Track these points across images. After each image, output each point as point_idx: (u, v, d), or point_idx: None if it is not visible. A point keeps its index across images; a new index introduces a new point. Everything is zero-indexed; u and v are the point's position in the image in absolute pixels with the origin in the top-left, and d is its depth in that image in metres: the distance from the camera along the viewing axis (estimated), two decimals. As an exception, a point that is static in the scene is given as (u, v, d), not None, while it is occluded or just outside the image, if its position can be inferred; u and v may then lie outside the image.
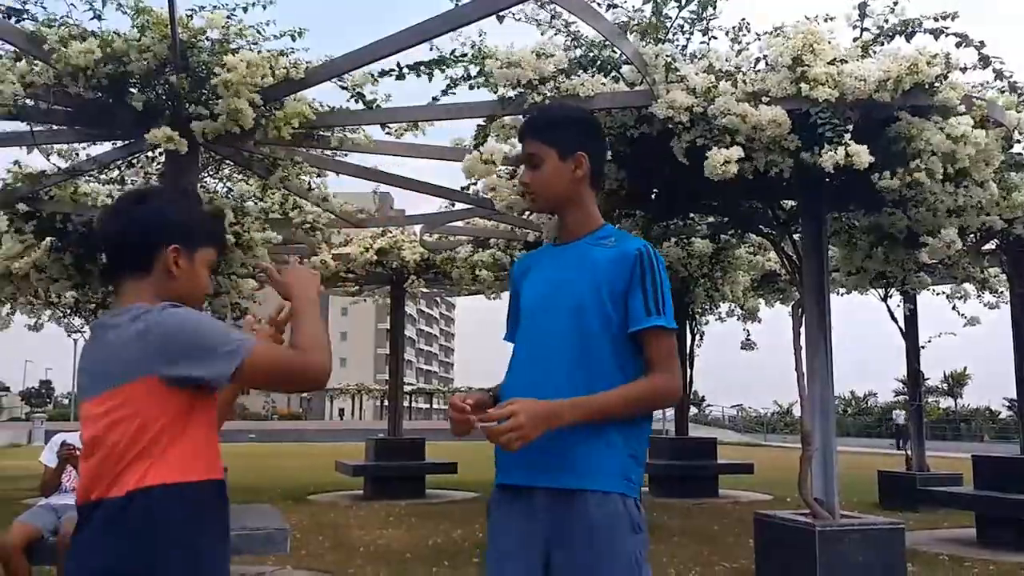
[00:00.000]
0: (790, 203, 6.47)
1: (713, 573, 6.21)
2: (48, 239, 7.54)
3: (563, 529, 1.96)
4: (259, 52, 5.23)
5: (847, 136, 4.66)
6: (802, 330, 5.78)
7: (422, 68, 5.26)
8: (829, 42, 5.00)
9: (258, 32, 5.28)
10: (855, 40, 5.30)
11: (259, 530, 5.13)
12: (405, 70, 5.28)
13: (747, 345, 11.23)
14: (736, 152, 4.74)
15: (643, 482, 2.09)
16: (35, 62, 5.02)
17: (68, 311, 10.36)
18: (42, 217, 7.35)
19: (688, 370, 12.03)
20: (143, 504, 1.65)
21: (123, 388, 1.68)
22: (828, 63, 4.86)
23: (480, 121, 5.62)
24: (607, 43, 5.28)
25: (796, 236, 6.27)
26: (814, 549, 5.22)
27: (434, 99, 5.51)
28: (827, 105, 4.76)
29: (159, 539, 1.65)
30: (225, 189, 8.23)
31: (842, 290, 8.84)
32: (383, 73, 5.45)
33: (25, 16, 4.80)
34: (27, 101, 5.12)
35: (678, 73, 5.00)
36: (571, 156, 2.12)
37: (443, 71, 5.33)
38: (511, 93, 5.25)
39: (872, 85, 4.80)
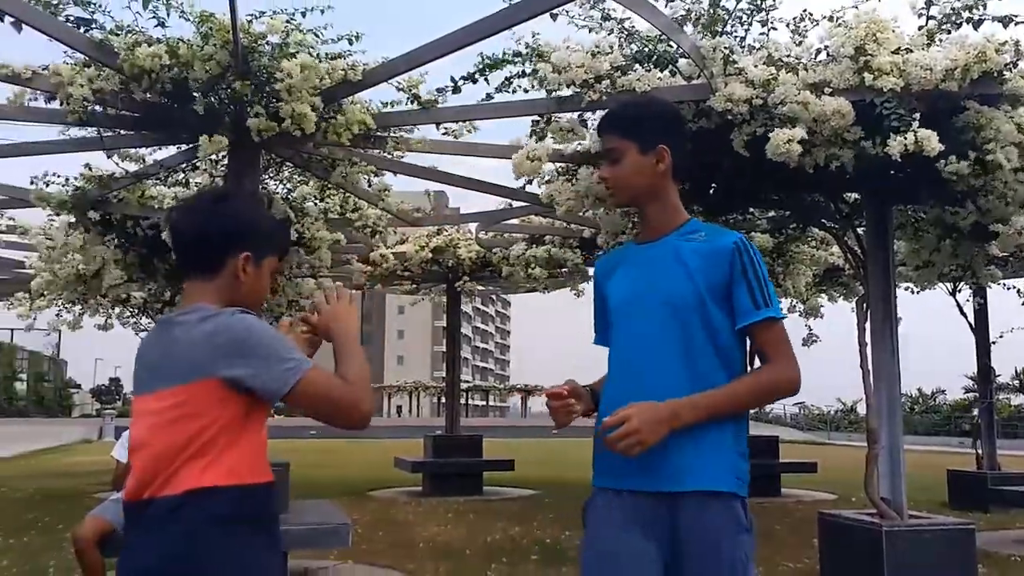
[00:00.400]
0: (853, 196, 6.32)
1: (776, 573, 6.11)
2: (117, 241, 7.77)
3: (676, 532, 1.93)
4: (317, 56, 5.32)
5: (915, 124, 4.53)
6: (867, 326, 5.65)
7: (477, 75, 5.29)
8: (893, 31, 4.87)
9: (316, 36, 5.36)
10: (920, 28, 5.15)
11: (322, 525, 5.22)
12: (461, 82, 5.33)
13: (808, 340, 11.02)
14: (799, 132, 4.63)
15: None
16: (103, 68, 5.17)
17: (136, 311, 10.66)
18: (111, 220, 7.58)
19: (748, 368, 11.81)
20: (198, 504, 1.66)
21: (187, 387, 1.70)
22: (893, 52, 4.74)
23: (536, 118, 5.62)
24: (663, 37, 5.23)
25: (860, 230, 6.12)
26: (881, 550, 5.11)
27: (488, 96, 5.50)
28: (892, 95, 4.63)
29: (213, 539, 1.67)
30: (285, 190, 8.38)
31: (909, 285, 8.60)
32: (440, 90, 5.51)
33: (93, 26, 4.95)
34: (96, 107, 5.27)
35: (736, 65, 4.93)
36: (652, 150, 2.07)
37: (500, 68, 5.33)
38: (567, 92, 5.24)
39: (939, 74, 4.66)
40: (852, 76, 4.82)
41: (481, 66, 5.27)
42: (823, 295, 11.25)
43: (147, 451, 1.72)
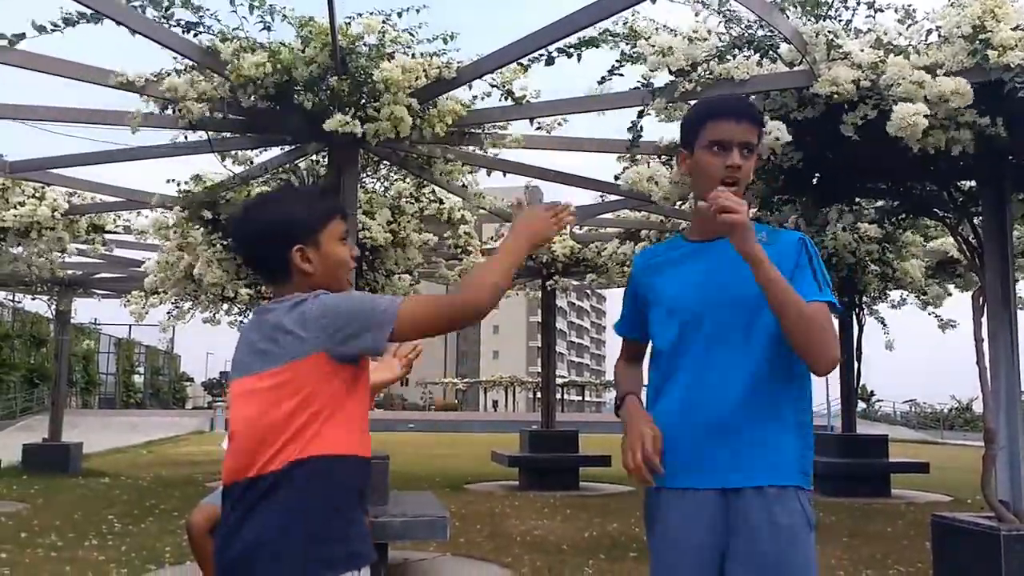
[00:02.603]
0: (968, 184, 6.01)
1: (886, 577, 5.88)
2: (225, 240, 8.10)
3: (737, 529, 1.91)
4: (412, 55, 5.39)
5: None
6: (984, 320, 5.36)
7: (572, 49, 5.18)
8: (1012, 5, 4.59)
9: (411, 35, 5.43)
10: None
11: (421, 517, 5.29)
12: (555, 53, 5.22)
13: (945, 325, 10.62)
14: (923, 107, 4.39)
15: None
16: (211, 76, 5.38)
17: (244, 307, 11.08)
18: (219, 220, 7.90)
19: (856, 363, 11.39)
20: (300, 473, 1.72)
21: (289, 365, 1.75)
22: (1013, 29, 4.47)
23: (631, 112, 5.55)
24: (763, 22, 5.07)
25: (976, 220, 5.81)
26: (999, 554, 4.85)
27: (602, 79, 5.38)
28: (1021, 70, 4.35)
29: (312, 505, 1.72)
30: (383, 188, 8.55)
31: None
32: (533, 59, 5.41)
33: (200, 30, 5.14)
34: (206, 112, 5.49)
35: (841, 50, 4.74)
36: (756, 151, 2.07)
37: (597, 47, 5.24)
38: (661, 83, 5.14)
39: (1064, 52, 4.36)
40: (967, 58, 4.57)
41: (584, 39, 5.20)
42: (937, 286, 10.75)
43: (249, 431, 1.78)
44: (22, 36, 4.88)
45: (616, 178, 6.42)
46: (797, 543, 1.90)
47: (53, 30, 4.84)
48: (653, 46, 5.01)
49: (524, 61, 5.47)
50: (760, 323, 1.96)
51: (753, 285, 1.93)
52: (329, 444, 1.75)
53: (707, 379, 1.98)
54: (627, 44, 5.28)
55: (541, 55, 5.30)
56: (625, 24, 5.23)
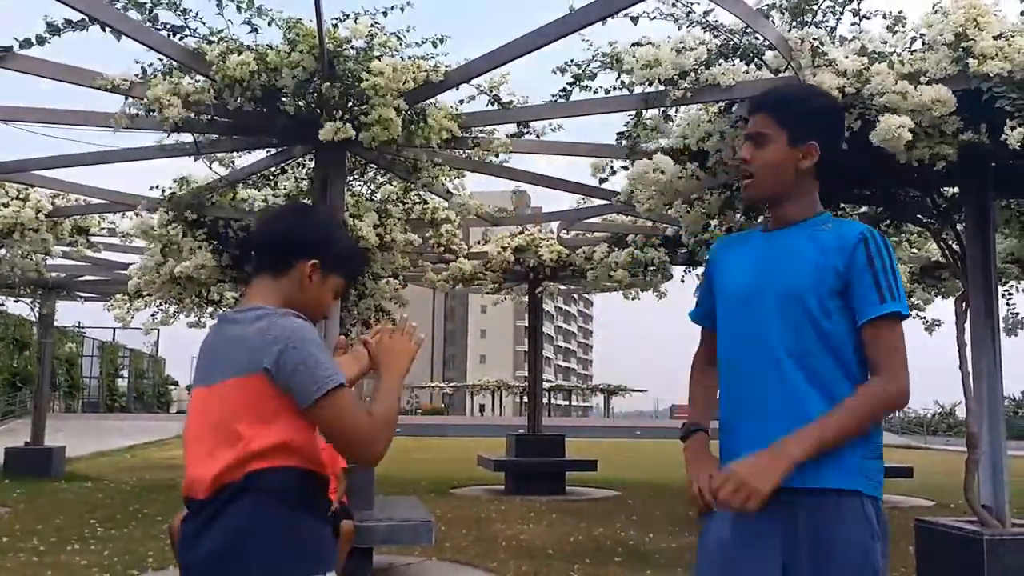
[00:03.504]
0: (951, 190, 6.06)
1: (869, 581, 5.90)
2: (210, 243, 8.06)
3: (796, 531, 1.84)
4: (400, 58, 5.39)
5: None
6: (967, 325, 5.41)
7: (569, 87, 5.36)
8: (995, 15, 4.64)
9: (398, 39, 5.43)
10: (1022, 13, 4.90)
11: (406, 522, 5.29)
12: (559, 98, 5.49)
13: (929, 327, 10.68)
14: (908, 119, 4.43)
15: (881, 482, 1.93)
16: (197, 78, 5.36)
17: (229, 310, 11.05)
18: (204, 222, 7.86)
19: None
20: (258, 484, 1.73)
21: (240, 380, 1.76)
22: (995, 37, 4.52)
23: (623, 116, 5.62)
24: (748, 29, 5.11)
25: (959, 225, 5.86)
26: (982, 559, 4.88)
27: (570, 86, 5.51)
28: (1000, 79, 4.40)
29: (271, 513, 1.74)
30: (369, 192, 8.54)
31: (1015, 283, 8.21)
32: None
33: (186, 33, 5.13)
34: (191, 114, 5.47)
35: (826, 57, 4.77)
36: (802, 143, 1.95)
37: (582, 87, 5.40)
38: (651, 89, 5.19)
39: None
40: (950, 65, 4.61)
41: (571, 78, 5.34)
42: (921, 291, 10.84)
43: (202, 443, 1.79)
44: (8, 49, 4.87)
45: (600, 181, 6.45)
46: (854, 552, 1.82)
47: (39, 43, 4.83)
48: (639, 60, 5.05)
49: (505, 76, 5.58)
50: (809, 320, 1.87)
51: (803, 279, 1.88)
52: (281, 457, 1.76)
53: (753, 384, 1.93)
54: (612, 70, 5.39)
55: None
56: (611, 46, 5.32)
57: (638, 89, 5.32)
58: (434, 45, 5.39)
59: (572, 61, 5.34)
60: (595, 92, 5.50)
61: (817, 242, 1.91)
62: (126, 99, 5.47)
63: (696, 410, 2.14)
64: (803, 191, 1.99)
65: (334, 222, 2.11)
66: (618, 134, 5.77)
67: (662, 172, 5.58)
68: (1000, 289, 6.75)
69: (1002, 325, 6.37)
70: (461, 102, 5.83)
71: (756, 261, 2.00)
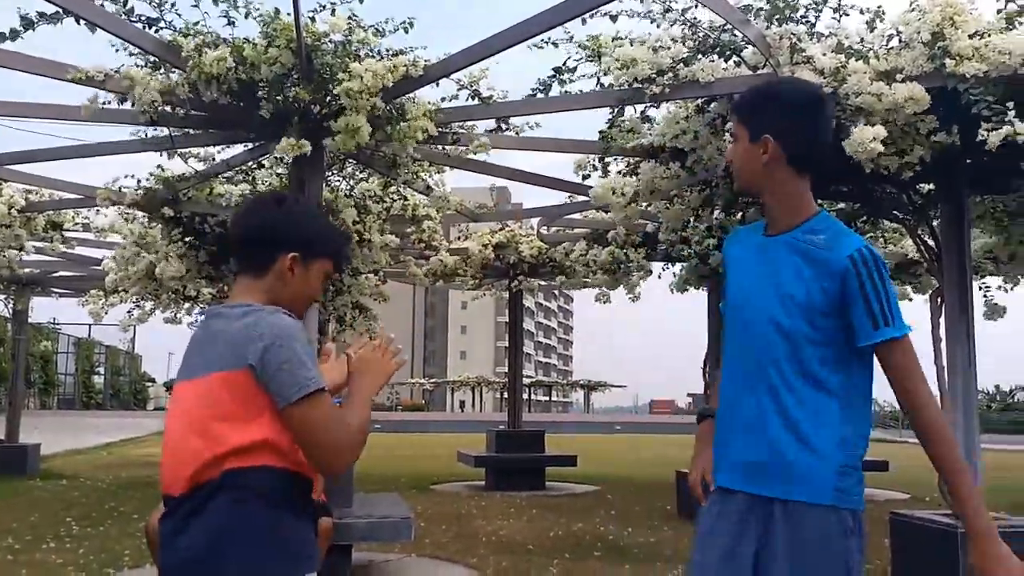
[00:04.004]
0: (927, 187, 6.11)
1: (845, 575, 5.95)
2: (187, 238, 7.98)
3: (769, 538, 1.91)
4: (378, 53, 5.35)
5: (1011, 114, 4.32)
6: (942, 320, 5.46)
7: (549, 83, 5.35)
8: (971, 14, 4.68)
9: (377, 31, 5.39)
10: (999, 12, 4.95)
11: (386, 518, 5.27)
12: (538, 93, 5.45)
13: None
14: (881, 130, 4.47)
15: (862, 491, 1.96)
16: (172, 70, 5.30)
17: (206, 306, 10.93)
18: (181, 218, 7.78)
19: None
20: (235, 483, 1.72)
21: (223, 375, 1.75)
22: (971, 36, 4.56)
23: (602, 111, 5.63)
24: (727, 27, 5.13)
25: (935, 222, 5.92)
26: (956, 552, 4.94)
27: (546, 84, 5.51)
28: (976, 80, 4.44)
29: (253, 512, 1.73)
30: (348, 188, 8.49)
31: (989, 281, 8.29)
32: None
33: (161, 25, 5.07)
34: (166, 108, 5.40)
35: (804, 54, 4.80)
36: (759, 139, 1.99)
37: (563, 82, 5.38)
38: (627, 84, 5.20)
39: (1018, 59, 4.46)
40: (926, 63, 4.65)
41: (552, 73, 5.34)
42: (897, 287, 10.92)
43: (182, 437, 1.77)
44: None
45: (584, 179, 6.45)
46: (819, 564, 1.87)
47: (12, 38, 4.75)
48: (617, 59, 5.07)
49: (485, 71, 5.56)
50: (790, 331, 1.92)
51: (794, 287, 1.92)
52: (264, 456, 1.74)
53: (737, 378, 2.01)
54: (591, 60, 5.38)
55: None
56: (591, 39, 5.31)
57: (616, 82, 5.33)
58: (405, 31, 5.35)
59: (549, 40, 5.30)
60: (574, 84, 5.50)
61: (808, 258, 1.93)
62: (100, 92, 5.40)
63: (714, 395, 2.20)
64: (783, 188, 2.00)
65: (308, 210, 2.08)
66: (600, 133, 5.78)
67: (622, 194, 5.70)
68: (976, 284, 6.83)
69: (980, 312, 6.44)
70: (443, 99, 5.81)
71: (751, 268, 2.05)
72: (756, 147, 1.99)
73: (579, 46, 5.42)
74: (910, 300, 10.91)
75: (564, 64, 5.32)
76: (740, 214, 6.55)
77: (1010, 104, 4.38)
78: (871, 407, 2.03)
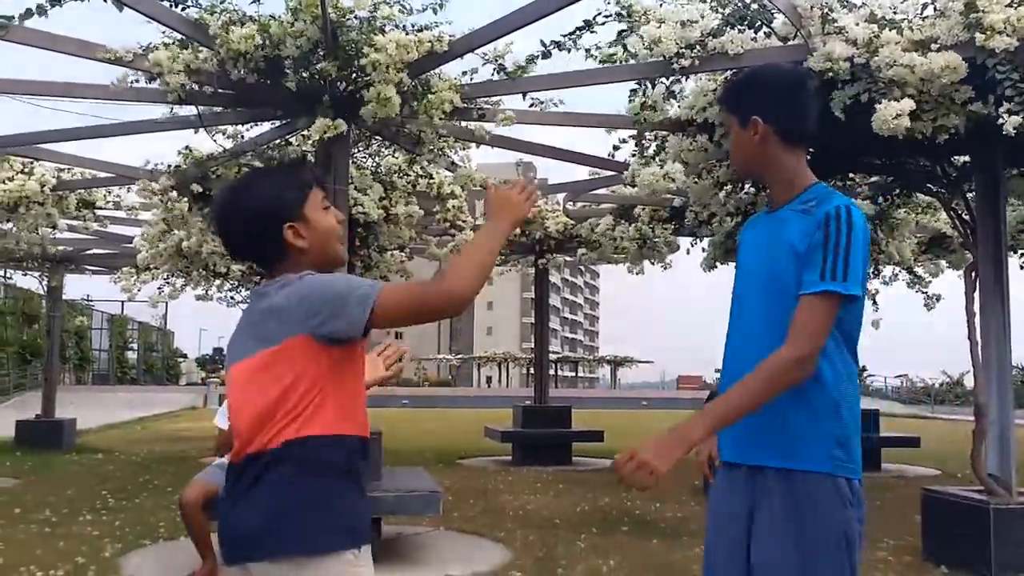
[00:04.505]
0: (962, 159, 6.00)
1: (876, 549, 5.93)
2: (214, 234, 8.05)
3: (763, 507, 1.95)
4: (404, 29, 5.33)
5: None
6: (976, 294, 5.38)
7: (568, 39, 5.22)
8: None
9: (402, 8, 5.37)
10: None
11: (414, 492, 5.32)
12: (552, 48, 5.27)
13: (929, 304, 10.61)
14: (908, 104, 4.40)
15: (858, 459, 1.96)
16: (200, 49, 5.32)
17: (235, 283, 11.05)
18: (210, 195, 7.84)
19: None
20: (294, 454, 1.73)
21: (278, 349, 1.75)
22: (1006, 6, 4.44)
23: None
24: (757, -4, 5.04)
25: (969, 195, 5.81)
26: (988, 527, 4.91)
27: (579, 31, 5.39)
28: (1006, 56, 4.34)
29: (308, 485, 1.74)
30: (374, 165, 8.50)
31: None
32: (530, 59, 5.47)
33: (188, 3, 5.08)
34: (194, 86, 5.43)
35: (836, 24, 4.71)
36: (748, 122, 2.06)
37: (593, 31, 5.25)
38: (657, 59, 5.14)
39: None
40: (962, 32, 4.54)
41: (579, 25, 5.21)
42: (931, 262, 10.76)
43: (246, 413, 1.79)
44: (10, 19, 4.82)
45: (610, 154, 6.40)
46: (813, 530, 1.88)
47: (40, 13, 4.77)
48: (642, 38, 5.00)
49: (521, 53, 5.51)
50: (779, 298, 1.95)
51: (784, 266, 1.95)
52: (324, 424, 1.76)
53: (738, 353, 2.07)
54: (621, 21, 5.27)
55: (537, 53, 5.33)
56: (618, 3, 5.21)
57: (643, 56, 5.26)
58: (434, 11, 5.32)
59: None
60: (599, 50, 5.39)
61: (798, 226, 1.96)
62: (129, 71, 5.43)
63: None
64: (777, 164, 2.07)
65: (257, 178, 1.99)
66: (630, 110, 5.69)
67: (672, 179, 5.64)
68: (1011, 259, 6.71)
69: (1016, 287, 6.32)
70: (464, 73, 5.77)
71: (754, 244, 2.12)
72: (747, 131, 2.06)
73: (608, 17, 5.30)
74: (930, 281, 10.75)
75: (594, 19, 5.22)
76: (768, 189, 6.49)
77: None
78: (857, 374, 2.02)
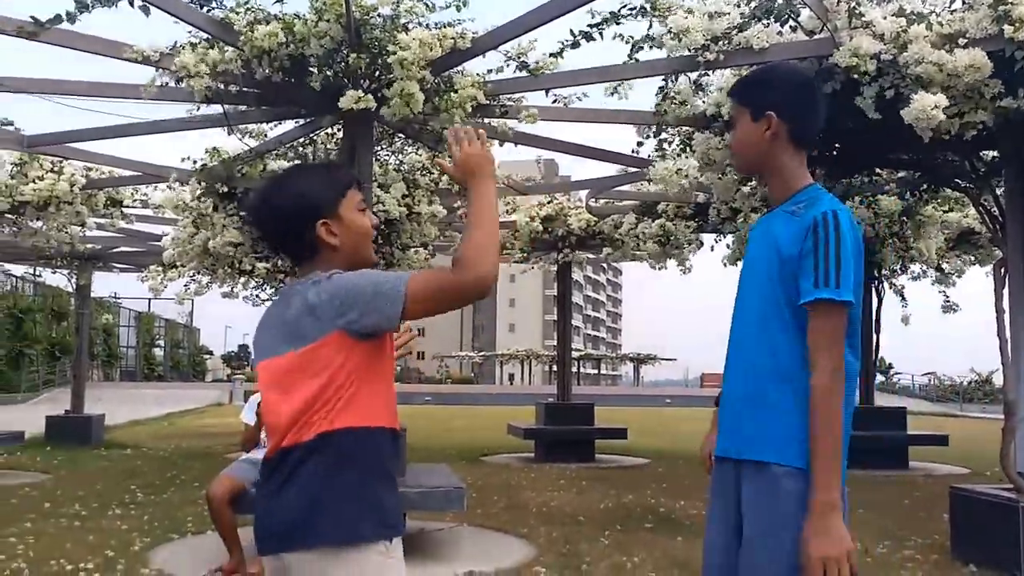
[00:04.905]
0: (991, 154, 5.92)
1: (904, 548, 5.87)
2: (241, 213, 8.12)
3: (746, 499, 1.97)
4: (427, 27, 5.34)
5: None
6: (1005, 291, 5.31)
7: (593, 29, 5.18)
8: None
9: (426, 6, 5.39)
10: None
11: (438, 488, 5.34)
12: (581, 39, 5.24)
13: (947, 308, 10.43)
14: (943, 99, 4.35)
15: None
16: (225, 48, 5.36)
17: (261, 281, 11.13)
18: (235, 193, 7.91)
19: (874, 336, 11.33)
20: (330, 444, 1.76)
21: (312, 346, 1.78)
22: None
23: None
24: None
25: (999, 190, 5.73)
26: (1017, 526, 4.84)
27: (626, 60, 5.36)
28: None
29: (342, 478, 1.76)
30: (397, 162, 8.53)
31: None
32: (558, 52, 5.45)
33: (213, 5, 5.13)
34: (220, 85, 5.48)
35: (863, 18, 4.66)
36: (762, 116, 2.05)
37: (618, 23, 5.20)
38: (683, 53, 5.11)
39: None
40: (990, 24, 4.48)
41: (605, 17, 5.18)
42: (957, 259, 10.61)
43: (283, 410, 1.81)
44: (40, 24, 4.88)
45: (633, 151, 6.38)
46: (791, 522, 1.84)
47: (69, 20, 4.82)
48: (670, 30, 4.97)
49: (546, 47, 5.47)
50: (768, 301, 1.97)
51: (773, 265, 1.96)
52: (357, 416, 1.78)
53: (733, 348, 2.11)
54: (645, 17, 5.23)
55: (566, 42, 5.30)
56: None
57: (670, 52, 5.24)
58: (458, 9, 5.33)
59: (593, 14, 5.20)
60: (625, 41, 5.36)
61: (785, 228, 1.98)
62: (156, 71, 5.49)
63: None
64: (780, 163, 2.07)
65: (290, 180, 1.99)
66: (656, 107, 5.67)
67: (685, 176, 5.61)
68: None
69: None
70: (489, 71, 5.78)
71: (754, 243, 2.14)
72: (759, 125, 2.05)
73: (633, 9, 5.26)
74: (956, 278, 10.59)
75: (619, 11, 5.18)
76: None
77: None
78: (856, 374, 1.97)
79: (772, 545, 1.87)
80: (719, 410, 2.14)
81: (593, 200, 10.20)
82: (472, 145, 1.87)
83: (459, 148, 1.87)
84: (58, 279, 15.90)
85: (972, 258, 10.68)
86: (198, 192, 7.68)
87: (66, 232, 9.73)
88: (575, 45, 5.30)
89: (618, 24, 5.22)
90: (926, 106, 4.35)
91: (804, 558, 1.80)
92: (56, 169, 8.43)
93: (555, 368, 13.59)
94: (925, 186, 7.46)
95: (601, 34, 5.22)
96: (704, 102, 5.76)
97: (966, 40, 4.52)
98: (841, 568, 1.77)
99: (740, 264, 2.25)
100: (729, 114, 2.19)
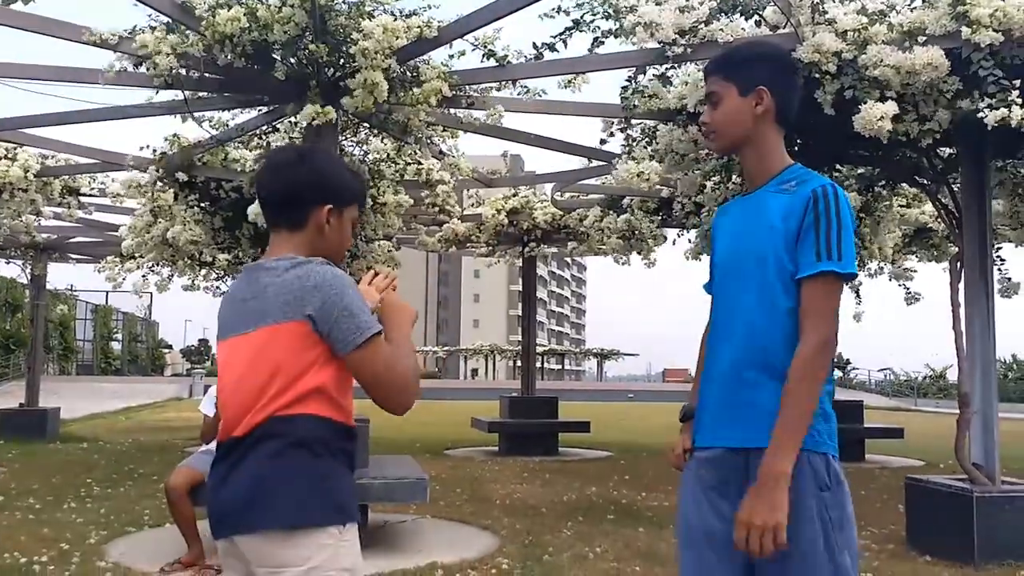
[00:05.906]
0: (948, 151, 6.03)
1: (861, 538, 5.97)
2: (202, 204, 8.00)
3: (736, 487, 1.89)
4: (393, 14, 5.30)
5: (1015, 93, 4.28)
6: (961, 285, 5.42)
7: (560, 39, 5.23)
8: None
9: (390, -8, 5.34)
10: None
11: (400, 480, 5.32)
12: (544, 50, 5.29)
13: (910, 300, 10.61)
14: (892, 107, 4.43)
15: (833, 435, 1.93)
16: (186, 33, 5.27)
17: (222, 272, 10.98)
18: (196, 183, 7.78)
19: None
20: (282, 429, 1.75)
21: (277, 326, 1.77)
22: (993, -2, 4.47)
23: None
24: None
25: (955, 186, 5.84)
26: (971, 515, 4.95)
27: (568, 31, 5.38)
28: (990, 51, 4.38)
29: (295, 458, 1.75)
30: (361, 152, 8.45)
31: (1007, 245, 8.19)
32: (519, 61, 5.48)
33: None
34: (181, 71, 5.38)
35: (826, 16, 4.72)
36: (752, 91, 2.00)
37: (582, 31, 5.24)
38: (651, 45, 5.13)
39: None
40: (949, 22, 4.56)
41: (568, 25, 5.21)
42: (912, 256, 10.79)
43: (238, 388, 1.81)
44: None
45: (601, 143, 6.39)
46: (791, 518, 1.79)
47: (24, 2, 4.71)
48: (639, 19, 4.99)
49: (511, 51, 5.49)
50: (768, 280, 1.91)
51: (768, 245, 1.91)
52: (312, 407, 1.78)
53: (717, 333, 2.04)
54: (608, 20, 5.27)
55: (529, 55, 5.34)
56: (605, 2, 5.21)
57: (638, 44, 5.25)
58: None
59: (560, 9, 5.21)
60: (595, 42, 5.38)
61: (780, 205, 1.94)
62: (115, 55, 5.38)
63: (696, 388, 2.16)
64: (765, 141, 2.03)
65: (331, 159, 2.08)
66: (622, 99, 5.69)
67: (647, 179, 5.65)
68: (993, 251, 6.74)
69: (996, 287, 6.37)
70: (451, 57, 5.74)
71: (733, 227, 2.08)
72: (748, 100, 2.01)
73: (596, 14, 5.30)
74: (915, 273, 10.75)
75: (582, 18, 5.21)
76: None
77: (1017, 82, 4.34)
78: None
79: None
80: (700, 400, 2.06)
81: (558, 194, 10.21)
82: (390, 302, 1.98)
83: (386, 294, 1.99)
84: (12, 270, 15.54)
85: (928, 255, 10.86)
86: (155, 181, 7.53)
87: (21, 221, 9.50)
88: (538, 57, 5.36)
89: (581, 32, 5.27)
90: (872, 117, 4.45)
91: (736, 520, 1.80)
92: (10, 156, 8.23)
93: (519, 363, 13.61)
94: (884, 182, 7.57)
95: (565, 43, 5.28)
96: (669, 95, 5.79)
97: (925, 37, 4.59)
98: (764, 538, 1.75)
99: (705, 257, 2.20)
100: (710, 92, 2.07)
